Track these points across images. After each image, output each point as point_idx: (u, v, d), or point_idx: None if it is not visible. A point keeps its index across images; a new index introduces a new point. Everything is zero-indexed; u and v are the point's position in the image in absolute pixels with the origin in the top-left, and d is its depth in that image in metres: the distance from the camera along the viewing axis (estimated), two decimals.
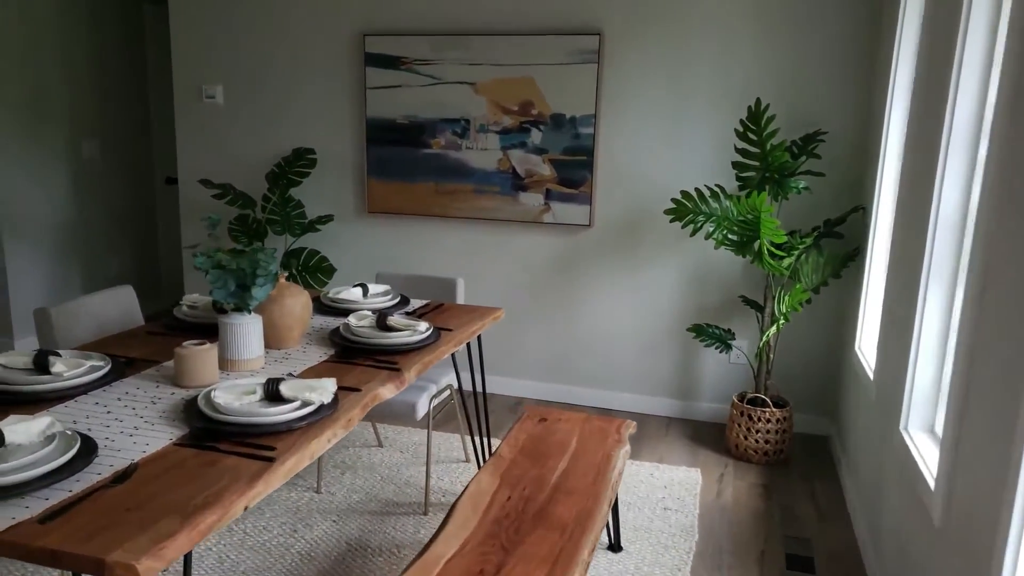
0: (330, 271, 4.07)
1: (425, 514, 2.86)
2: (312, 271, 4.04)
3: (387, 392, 2.01)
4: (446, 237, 4.09)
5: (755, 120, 3.22)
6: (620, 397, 3.98)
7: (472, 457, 3.36)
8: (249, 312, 2.06)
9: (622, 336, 3.92)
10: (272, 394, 1.75)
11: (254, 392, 1.76)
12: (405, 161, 4.05)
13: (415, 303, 2.91)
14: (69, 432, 1.53)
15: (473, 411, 3.85)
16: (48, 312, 2.46)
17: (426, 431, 3.61)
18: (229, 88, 4.28)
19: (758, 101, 3.19)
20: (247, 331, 2.03)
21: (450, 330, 2.54)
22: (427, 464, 2.86)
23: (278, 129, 4.25)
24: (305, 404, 1.73)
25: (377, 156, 4.09)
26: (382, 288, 2.85)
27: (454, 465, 3.29)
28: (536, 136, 3.85)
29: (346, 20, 4.03)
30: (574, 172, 3.83)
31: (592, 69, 3.72)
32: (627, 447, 2.44)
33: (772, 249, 3.18)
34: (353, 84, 4.09)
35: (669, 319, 3.85)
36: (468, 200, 4.00)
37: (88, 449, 1.50)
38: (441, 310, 2.82)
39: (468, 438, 3.52)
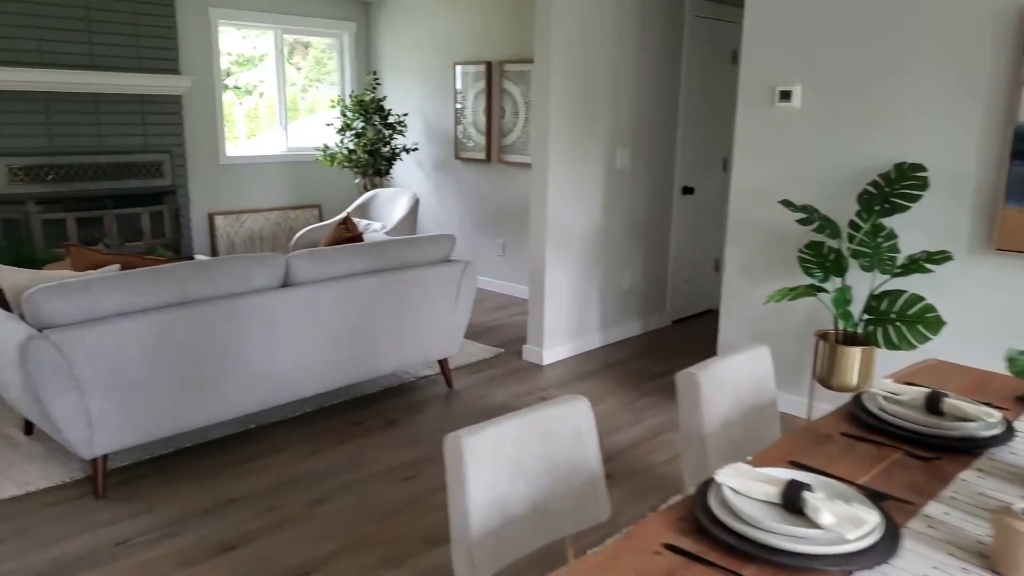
0: (936, 324, 3.11)
1: None
2: (910, 322, 3.14)
3: None
4: None
5: None
6: None
7: None
8: None
9: None
10: None
11: None
12: None
13: None
14: None
15: None
16: (695, 377, 1.97)
17: None
18: (810, 88, 3.57)
19: None
20: None
21: None
22: None
23: (872, 138, 3.41)
24: None
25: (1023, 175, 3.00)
26: None
27: None
28: None
29: None
30: None
31: None
32: None
33: None
34: (992, 78, 3.05)
35: None
36: None
37: None
38: None
39: None
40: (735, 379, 2.13)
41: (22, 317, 2.91)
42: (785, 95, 3.64)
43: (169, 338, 2.98)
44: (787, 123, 3.67)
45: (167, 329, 2.97)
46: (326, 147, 6.44)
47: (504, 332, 5.24)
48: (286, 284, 3.42)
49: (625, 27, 4.64)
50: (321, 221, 7.03)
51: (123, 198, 5.69)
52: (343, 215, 5.84)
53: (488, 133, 6.16)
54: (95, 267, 3.39)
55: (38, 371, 2.69)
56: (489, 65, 6.04)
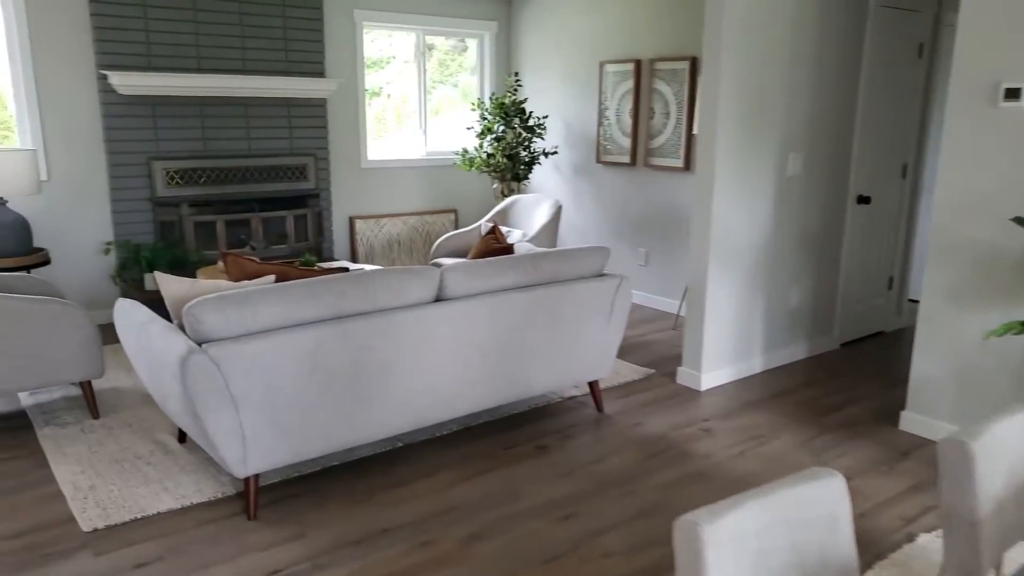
0: None
1: None
2: None
3: None
4: None
5: None
6: None
7: None
8: None
9: None
10: None
11: None
12: None
13: None
14: None
15: None
16: (967, 448, 1.58)
17: None
18: None
19: None
20: None
21: None
22: None
23: None
24: None
25: None
26: None
27: None
28: None
29: None
30: None
31: None
32: None
33: None
34: None
35: None
36: None
37: None
38: None
39: None
40: (1008, 448, 1.71)
41: (181, 328, 2.86)
42: (1013, 93, 3.11)
43: (323, 354, 2.84)
44: (1014, 125, 3.14)
45: (321, 344, 2.83)
46: (465, 151, 6.29)
47: (652, 350, 4.89)
48: (439, 298, 3.23)
49: (804, 18, 4.18)
50: (457, 226, 6.91)
51: (269, 201, 5.74)
52: (488, 223, 5.66)
53: (634, 135, 5.82)
54: (250, 276, 3.33)
55: (197, 386, 2.60)
56: (638, 64, 5.69)
